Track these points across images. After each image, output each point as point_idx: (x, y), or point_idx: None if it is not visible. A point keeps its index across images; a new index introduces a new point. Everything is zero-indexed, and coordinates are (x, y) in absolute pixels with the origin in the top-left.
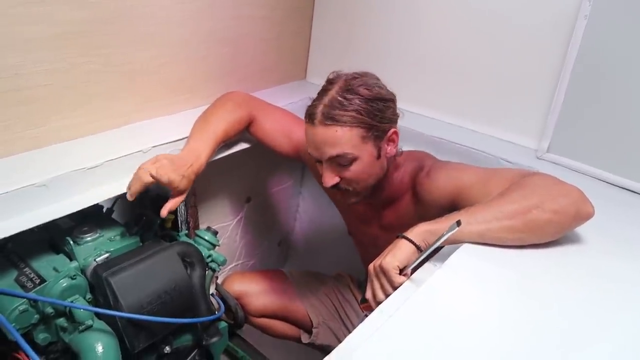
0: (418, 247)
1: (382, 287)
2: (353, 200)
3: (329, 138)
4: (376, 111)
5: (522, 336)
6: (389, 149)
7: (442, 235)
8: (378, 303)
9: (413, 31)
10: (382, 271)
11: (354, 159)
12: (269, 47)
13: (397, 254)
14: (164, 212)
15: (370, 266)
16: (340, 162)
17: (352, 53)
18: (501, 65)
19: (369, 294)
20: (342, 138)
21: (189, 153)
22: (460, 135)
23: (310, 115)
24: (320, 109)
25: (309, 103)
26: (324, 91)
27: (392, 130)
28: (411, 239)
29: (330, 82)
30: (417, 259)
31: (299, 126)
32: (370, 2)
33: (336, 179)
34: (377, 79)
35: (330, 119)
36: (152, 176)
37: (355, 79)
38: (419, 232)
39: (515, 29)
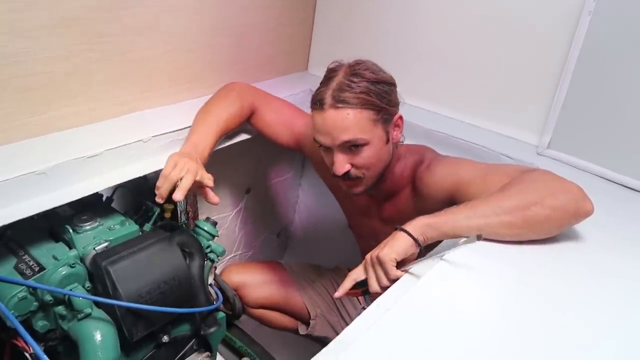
0: (416, 240)
1: (377, 278)
2: (359, 189)
3: (340, 122)
4: (384, 93)
5: (521, 331)
6: (395, 134)
7: (457, 245)
8: (365, 291)
9: (416, 24)
10: (379, 262)
11: (365, 144)
12: (272, 38)
13: (394, 246)
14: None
15: (367, 256)
16: (352, 147)
17: (354, 45)
18: (503, 60)
19: (352, 273)
20: (354, 121)
21: (192, 148)
22: (461, 129)
23: (319, 101)
24: (329, 93)
25: (312, 93)
26: (328, 78)
27: (398, 115)
28: (410, 232)
29: (333, 70)
30: (417, 260)
31: (300, 118)
32: None
33: (348, 166)
34: (377, 65)
35: (341, 101)
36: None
37: (359, 64)
38: (418, 225)
39: (518, 24)
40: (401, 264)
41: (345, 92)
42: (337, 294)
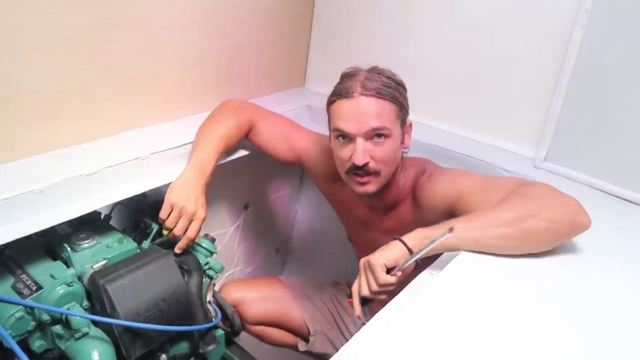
0: (410, 250)
1: (367, 282)
2: (372, 188)
3: (371, 108)
4: (403, 93)
5: (520, 345)
6: (406, 141)
7: (434, 241)
8: (364, 299)
9: (413, 39)
10: (370, 267)
11: (389, 135)
12: (269, 54)
13: (386, 253)
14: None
15: (361, 261)
16: (377, 136)
17: (351, 60)
18: (499, 74)
19: (354, 287)
20: (383, 110)
21: (195, 170)
22: (458, 143)
23: (346, 90)
24: (357, 84)
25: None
26: (351, 76)
27: (409, 121)
28: (405, 241)
29: (353, 71)
30: (406, 261)
31: (299, 131)
32: (369, 10)
33: (368, 157)
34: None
35: (371, 89)
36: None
37: (376, 67)
38: (414, 236)
39: (513, 38)
40: (391, 270)
41: (374, 83)
42: (357, 313)
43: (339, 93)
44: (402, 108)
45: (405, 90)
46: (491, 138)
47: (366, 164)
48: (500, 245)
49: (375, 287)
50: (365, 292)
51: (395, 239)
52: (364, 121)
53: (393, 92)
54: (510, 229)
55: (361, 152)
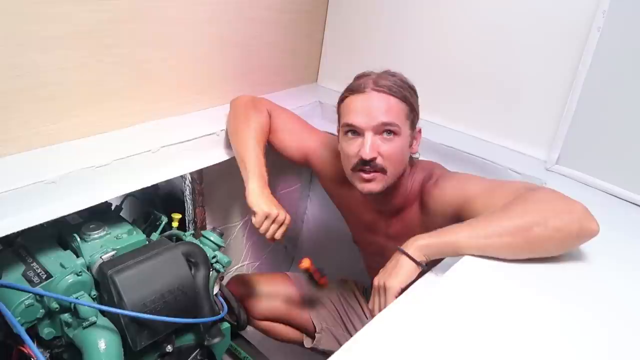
0: (418, 264)
1: (379, 303)
2: (377, 186)
3: (382, 104)
4: (415, 97)
5: (523, 350)
6: (414, 145)
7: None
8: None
9: (426, 38)
10: (385, 290)
11: (397, 133)
12: (281, 50)
13: (400, 275)
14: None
15: (376, 281)
16: (386, 132)
17: (364, 57)
18: (513, 75)
19: (371, 307)
20: (394, 107)
21: (259, 179)
22: (469, 144)
23: (357, 86)
24: (370, 81)
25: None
26: (364, 75)
27: (419, 127)
28: (411, 256)
29: (366, 72)
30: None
31: (308, 131)
32: (383, 7)
33: (375, 152)
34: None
35: (383, 86)
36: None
37: (389, 70)
38: (418, 247)
39: (528, 39)
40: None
41: (385, 81)
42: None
43: (351, 89)
44: (412, 110)
45: (417, 95)
46: (503, 139)
47: (373, 159)
48: (505, 253)
49: (383, 309)
50: (377, 312)
51: (399, 250)
52: (374, 115)
53: (404, 92)
54: (514, 239)
55: (369, 145)
